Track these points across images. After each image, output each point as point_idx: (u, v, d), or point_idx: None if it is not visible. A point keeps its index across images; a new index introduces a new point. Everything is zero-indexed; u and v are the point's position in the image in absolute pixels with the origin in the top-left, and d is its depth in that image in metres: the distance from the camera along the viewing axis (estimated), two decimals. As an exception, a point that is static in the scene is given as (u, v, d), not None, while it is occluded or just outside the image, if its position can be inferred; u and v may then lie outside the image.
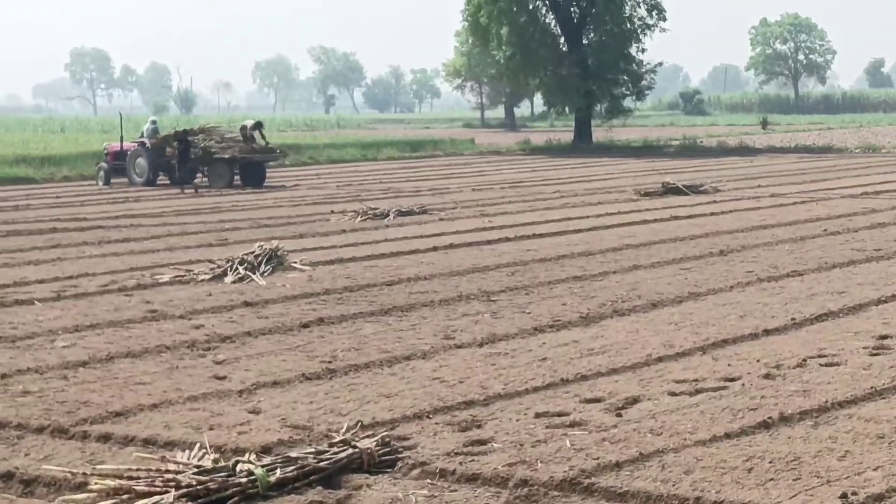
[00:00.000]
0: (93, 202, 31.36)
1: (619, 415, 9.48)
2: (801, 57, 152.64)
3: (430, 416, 9.51)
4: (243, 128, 37.91)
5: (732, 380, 10.56)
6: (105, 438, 8.99)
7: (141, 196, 32.94)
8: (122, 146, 38.75)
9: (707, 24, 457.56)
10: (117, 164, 38.09)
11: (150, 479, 7.68)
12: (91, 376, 11.07)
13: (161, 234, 22.97)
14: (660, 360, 11.46)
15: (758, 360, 11.31)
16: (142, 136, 39.20)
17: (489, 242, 20.93)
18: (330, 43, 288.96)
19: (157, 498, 7.48)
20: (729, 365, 11.18)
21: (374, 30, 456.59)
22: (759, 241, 20.55)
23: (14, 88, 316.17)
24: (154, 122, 40.86)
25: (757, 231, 22.16)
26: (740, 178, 36.53)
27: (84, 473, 7.90)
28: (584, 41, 61.71)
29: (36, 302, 15.15)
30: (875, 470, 7.99)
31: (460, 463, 8.25)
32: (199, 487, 7.61)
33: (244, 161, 37.16)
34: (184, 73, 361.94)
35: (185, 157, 35.59)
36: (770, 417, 9.22)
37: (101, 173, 38.23)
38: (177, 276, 17.02)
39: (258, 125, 38.22)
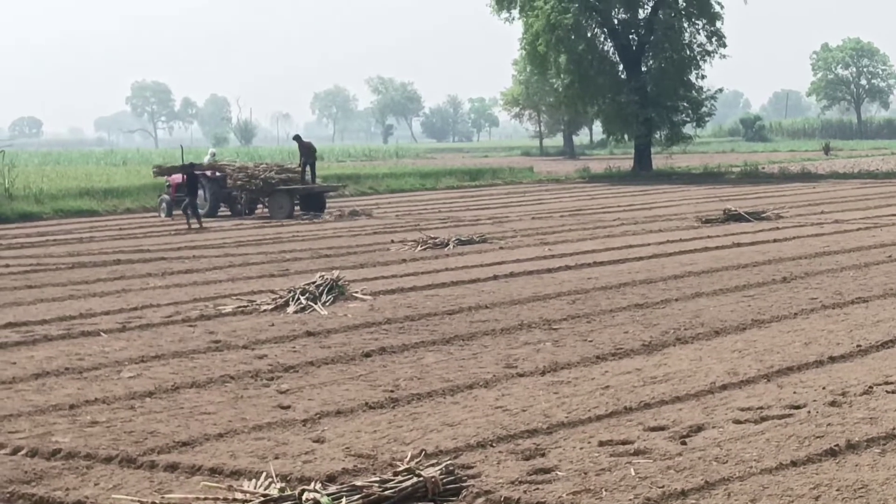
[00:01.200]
0: (155, 234, 31.67)
1: (683, 443, 9.43)
2: (863, 82, 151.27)
3: (494, 444, 9.51)
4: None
5: (798, 407, 10.48)
6: (172, 468, 9.08)
7: (203, 227, 33.18)
8: (183, 178, 39.10)
9: (768, 50, 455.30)
10: (179, 195, 38.45)
11: (217, 508, 7.74)
12: (157, 406, 11.19)
13: (223, 265, 23.14)
14: (724, 387, 11.39)
15: (823, 388, 11.21)
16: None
17: (549, 271, 20.90)
18: (388, 73, 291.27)
19: (224, 527, 7.53)
20: (794, 392, 11.09)
21: (431, 59, 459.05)
22: (822, 268, 20.37)
23: (77, 122, 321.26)
24: (213, 154, 41.25)
25: (820, 257, 21.96)
26: (803, 205, 36.24)
27: (153, 503, 7.98)
28: (643, 68, 61.49)
29: (102, 333, 15.31)
30: (946, 498, 7.89)
31: (525, 491, 8.24)
32: (265, 516, 7.65)
33: (304, 192, 37.49)
34: (243, 105, 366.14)
35: (193, 189, 34.87)
36: (837, 445, 9.13)
37: (163, 205, 38.61)
38: (240, 307, 17.15)
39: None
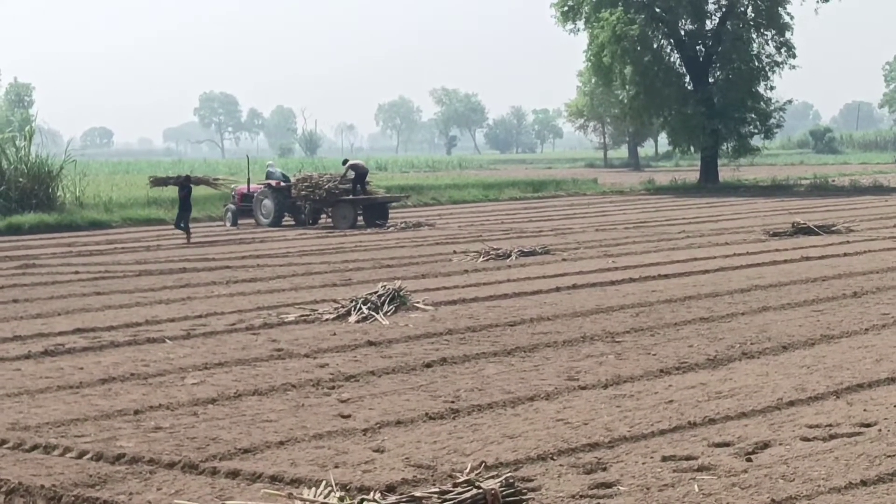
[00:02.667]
0: (221, 242, 31.91)
1: (749, 460, 9.26)
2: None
3: (555, 457, 9.41)
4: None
5: (868, 425, 10.26)
6: (234, 474, 9.10)
7: (267, 237, 33.42)
8: (248, 188, 39.46)
9: (839, 61, 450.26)
10: (244, 205, 38.81)
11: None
12: (220, 413, 11.23)
13: (286, 274, 23.23)
14: (791, 404, 11.20)
15: (895, 406, 10.98)
16: (266, 178, 39.85)
17: (613, 283, 20.74)
18: (452, 84, 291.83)
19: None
20: (864, 410, 10.87)
21: (495, 71, 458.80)
22: (894, 283, 20.02)
23: (146, 132, 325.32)
24: (271, 165, 41.38)
25: (892, 272, 21.60)
26: (874, 218, 35.71)
27: (213, 510, 7.98)
28: (710, 79, 61.00)
29: (167, 340, 15.44)
30: None
31: (586, 506, 8.13)
32: (324, 526, 7.61)
33: (368, 202, 37.57)
34: (308, 116, 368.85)
35: (187, 203, 33.68)
36: (908, 464, 8.93)
37: (229, 214, 38.96)
38: (302, 316, 17.19)
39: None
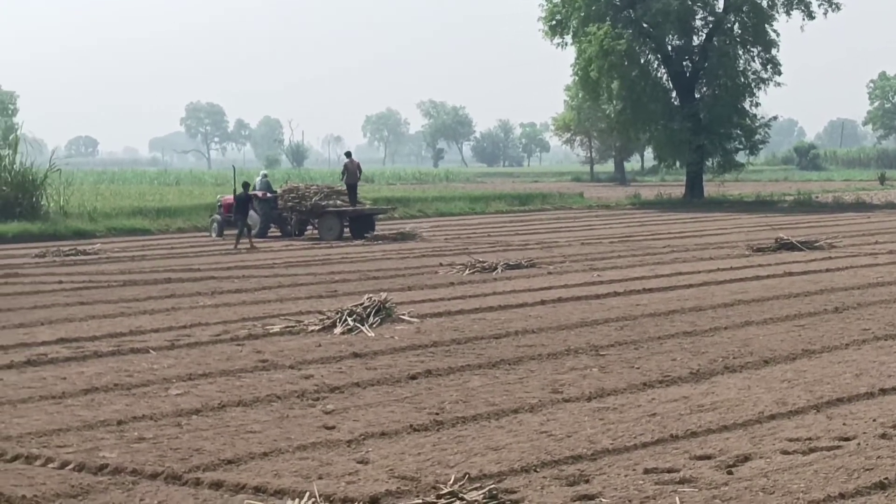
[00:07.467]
0: (206, 253, 31.92)
1: (730, 472, 9.34)
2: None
3: (538, 469, 9.46)
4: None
5: (847, 439, 10.35)
6: (217, 485, 9.12)
7: (252, 248, 33.34)
8: (234, 199, 39.32)
9: (823, 79, 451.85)
10: (230, 216, 38.69)
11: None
12: (204, 424, 11.24)
13: (272, 286, 23.25)
14: (772, 417, 11.28)
15: (874, 420, 11.07)
16: (254, 189, 39.70)
17: (598, 297, 20.82)
18: (439, 97, 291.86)
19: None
20: (844, 424, 10.96)
21: (483, 84, 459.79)
22: (875, 299, 20.14)
23: (131, 142, 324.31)
24: (265, 176, 41.39)
25: (874, 288, 21.72)
26: (857, 235, 35.88)
27: (195, 520, 8.00)
28: (697, 95, 61.24)
29: (151, 350, 15.44)
30: None
31: (568, 518, 8.18)
32: (307, 536, 7.64)
33: (354, 214, 37.62)
34: (295, 127, 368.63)
35: (244, 210, 35.06)
36: (886, 478, 9.01)
37: (215, 225, 38.90)
38: (287, 327, 17.22)
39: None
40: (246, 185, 36.79)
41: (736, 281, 23.18)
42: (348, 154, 41.23)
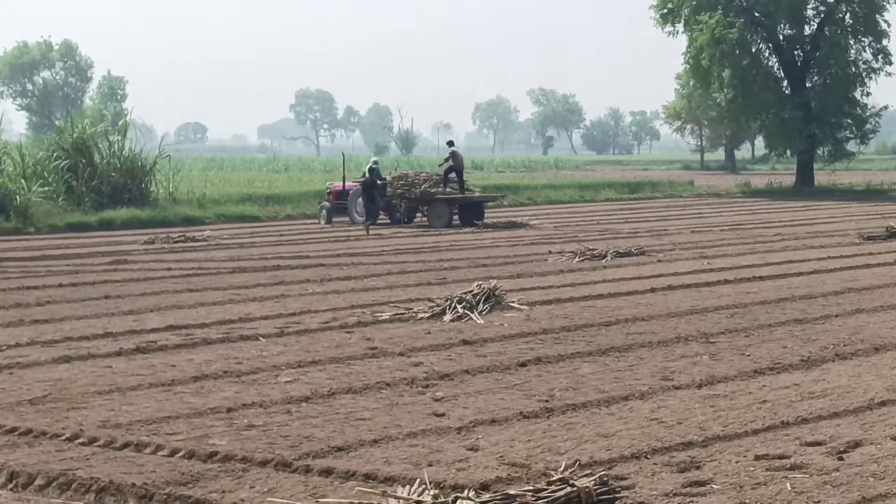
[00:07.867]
0: (315, 240, 32.15)
1: (840, 458, 9.24)
2: None
3: (648, 456, 9.42)
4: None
5: (962, 427, 10.14)
6: (327, 473, 9.12)
7: (361, 235, 33.60)
8: (344, 186, 39.69)
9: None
10: (339, 203, 39.01)
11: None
12: (313, 411, 11.29)
13: (381, 273, 23.34)
14: (883, 404, 11.13)
15: None
16: (363, 176, 39.92)
17: (708, 284, 20.62)
18: (549, 85, 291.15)
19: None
20: (959, 412, 10.73)
21: (593, 72, 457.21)
22: None
23: (240, 129, 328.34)
24: (376, 163, 41.53)
25: None
26: (972, 222, 34.99)
27: (308, 506, 8.05)
28: (808, 84, 60.68)
29: (260, 338, 15.50)
30: None
31: (679, 503, 8.14)
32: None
33: (464, 202, 37.66)
34: (405, 115, 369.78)
35: (371, 197, 35.20)
36: None
37: (324, 212, 39.20)
38: (396, 314, 17.28)
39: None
40: (372, 171, 37.07)
41: (846, 269, 22.82)
42: (451, 143, 41.00)
